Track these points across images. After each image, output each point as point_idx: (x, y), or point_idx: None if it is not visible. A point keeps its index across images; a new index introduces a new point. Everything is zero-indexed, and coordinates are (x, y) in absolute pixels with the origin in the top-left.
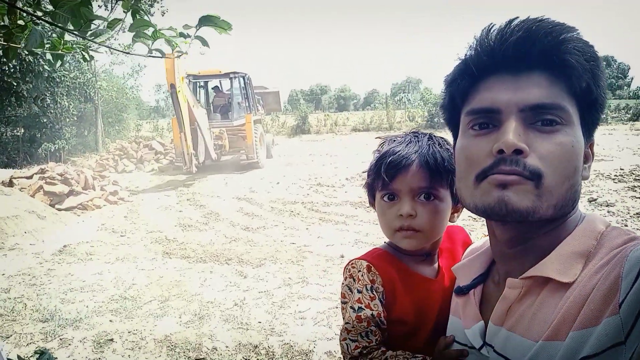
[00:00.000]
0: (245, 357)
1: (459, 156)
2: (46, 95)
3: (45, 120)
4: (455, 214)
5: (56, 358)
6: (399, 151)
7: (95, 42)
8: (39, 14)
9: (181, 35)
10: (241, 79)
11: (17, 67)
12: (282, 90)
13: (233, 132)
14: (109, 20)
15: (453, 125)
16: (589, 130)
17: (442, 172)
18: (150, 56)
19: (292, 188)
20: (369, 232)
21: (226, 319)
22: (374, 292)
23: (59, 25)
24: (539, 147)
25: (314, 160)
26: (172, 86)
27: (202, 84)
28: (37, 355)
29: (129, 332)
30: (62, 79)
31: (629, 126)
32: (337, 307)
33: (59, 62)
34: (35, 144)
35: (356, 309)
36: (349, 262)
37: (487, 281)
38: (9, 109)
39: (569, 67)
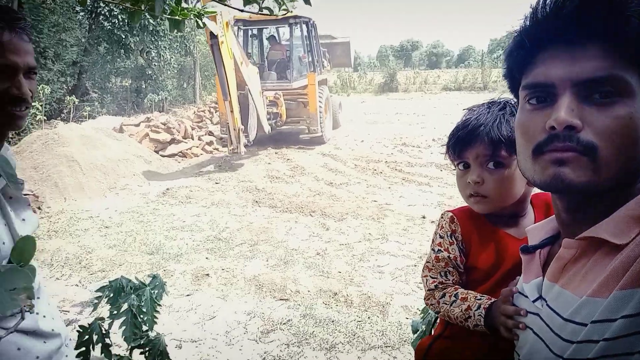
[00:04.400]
0: (325, 302)
1: (517, 131)
2: (151, 48)
3: (149, 72)
4: None
5: (165, 282)
6: (468, 125)
7: None
8: None
9: None
10: (304, 26)
11: (126, 21)
12: (362, 44)
13: (292, 97)
14: None
15: (516, 95)
16: None
17: (507, 142)
18: (260, 13)
19: (376, 147)
20: (453, 194)
21: (309, 266)
22: (453, 239)
23: None
24: (595, 121)
25: (400, 120)
26: (213, 36)
27: (254, 32)
28: (150, 278)
29: (222, 270)
30: (165, 32)
31: None
32: (415, 265)
33: (175, 29)
34: (141, 94)
35: (436, 250)
36: (442, 212)
37: (555, 244)
38: (118, 60)
39: (625, 35)
